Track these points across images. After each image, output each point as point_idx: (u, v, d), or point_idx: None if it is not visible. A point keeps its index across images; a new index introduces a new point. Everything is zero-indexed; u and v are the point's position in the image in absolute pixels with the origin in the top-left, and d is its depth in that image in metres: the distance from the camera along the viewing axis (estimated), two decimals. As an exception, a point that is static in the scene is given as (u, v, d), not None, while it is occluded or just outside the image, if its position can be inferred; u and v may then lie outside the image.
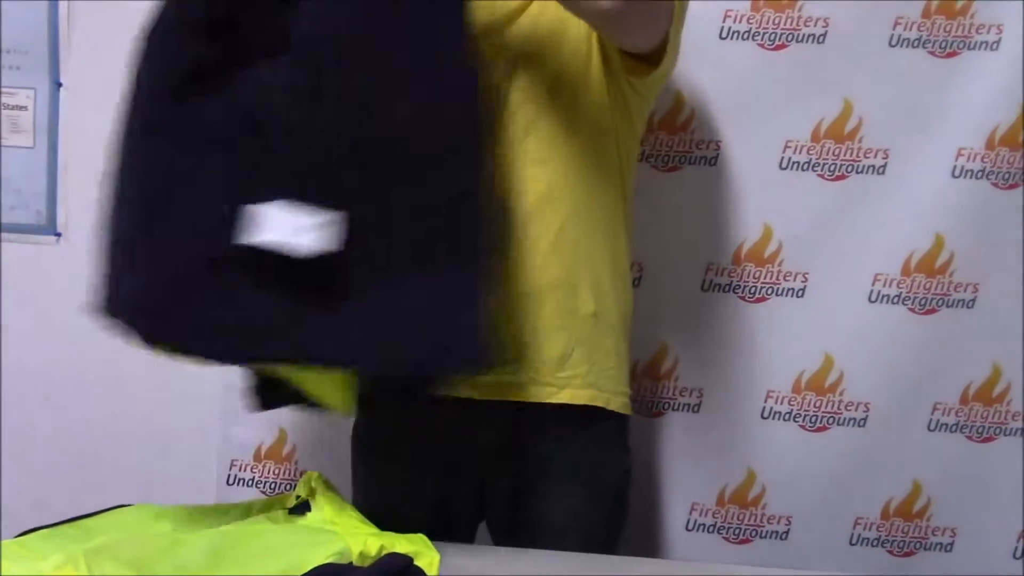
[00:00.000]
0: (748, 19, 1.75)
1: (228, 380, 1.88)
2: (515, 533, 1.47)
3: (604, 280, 1.46)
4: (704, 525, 1.86)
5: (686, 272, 1.81)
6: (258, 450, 1.92)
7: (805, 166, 1.78)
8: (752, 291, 1.81)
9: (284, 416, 1.89)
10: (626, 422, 1.52)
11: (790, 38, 1.75)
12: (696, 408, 1.84)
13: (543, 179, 1.40)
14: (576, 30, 1.40)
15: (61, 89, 1.92)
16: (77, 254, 1.93)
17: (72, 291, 1.93)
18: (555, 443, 1.45)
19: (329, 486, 1.33)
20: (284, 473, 1.90)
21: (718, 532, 1.85)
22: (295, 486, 1.36)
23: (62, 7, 1.90)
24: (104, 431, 1.98)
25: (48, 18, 1.91)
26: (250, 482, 1.92)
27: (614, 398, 1.47)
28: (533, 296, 1.40)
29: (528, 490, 1.47)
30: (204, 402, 1.92)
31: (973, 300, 1.78)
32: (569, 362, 1.43)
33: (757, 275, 1.81)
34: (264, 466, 1.91)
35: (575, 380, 1.43)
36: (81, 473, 1.96)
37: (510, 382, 1.41)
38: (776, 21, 1.75)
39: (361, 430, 1.56)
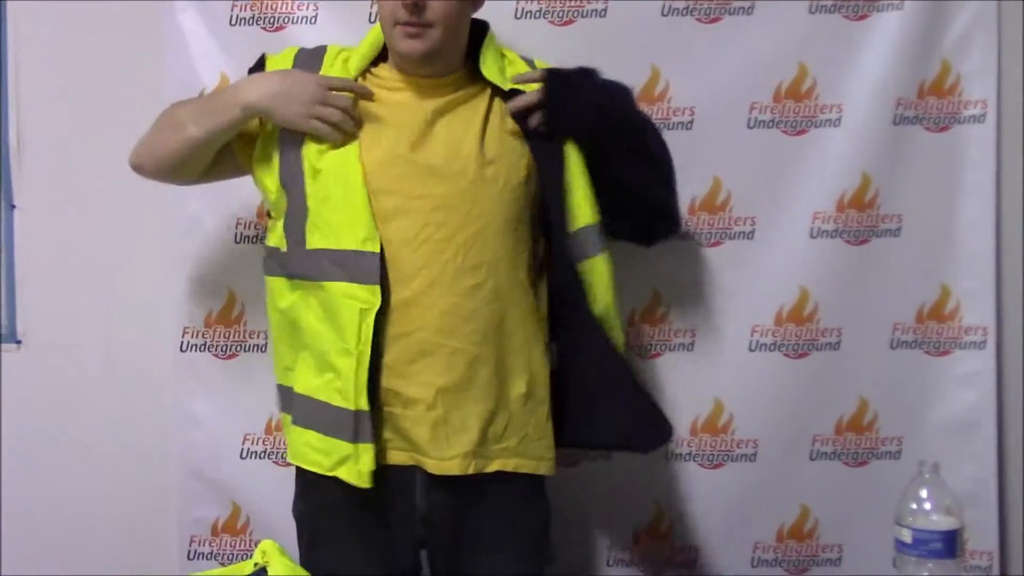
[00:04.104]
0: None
1: (185, 465, 1.95)
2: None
3: (535, 362, 1.59)
4: (623, 560, 1.96)
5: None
6: (215, 524, 1.97)
7: (685, 236, 1.91)
8: (647, 348, 1.93)
9: (236, 491, 1.96)
10: (543, 479, 1.64)
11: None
12: (607, 455, 1.93)
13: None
14: None
15: (15, 210, 1.99)
16: (36, 358, 2.00)
17: (33, 390, 2.00)
18: (482, 511, 1.57)
19: (283, 553, 1.40)
20: (241, 545, 1.95)
21: (634, 565, 1.96)
22: (252, 555, 1.43)
23: (12, 136, 1.98)
24: (70, 519, 2.01)
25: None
26: (209, 555, 1.97)
27: (540, 463, 1.60)
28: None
29: (462, 555, 1.59)
30: (163, 487, 1.97)
31: (838, 343, 1.92)
32: (503, 436, 1.55)
33: (651, 333, 1.93)
34: (221, 539, 1.96)
35: (505, 452, 1.56)
36: (48, 556, 1.99)
37: (446, 456, 1.53)
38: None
39: (300, 507, 1.65)
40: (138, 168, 1.67)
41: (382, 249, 1.51)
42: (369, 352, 1.49)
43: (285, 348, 1.63)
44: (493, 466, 1.55)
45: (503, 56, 1.64)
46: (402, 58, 1.57)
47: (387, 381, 1.52)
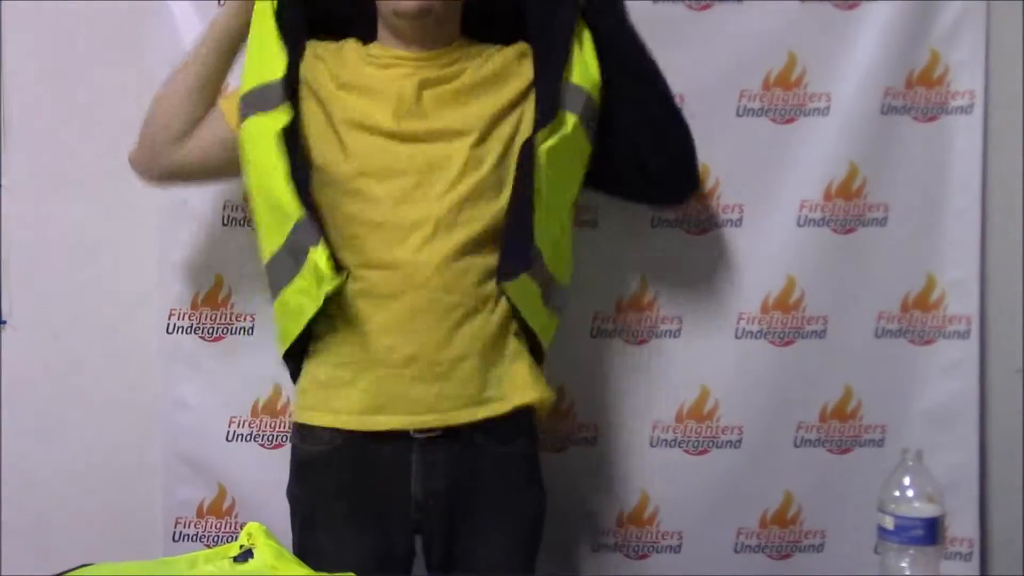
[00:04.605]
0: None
1: (171, 447, 1.95)
2: (450, 570, 1.59)
3: None
4: (607, 545, 1.97)
5: (576, 321, 1.91)
6: (200, 506, 1.96)
7: (674, 223, 1.92)
8: (634, 334, 1.94)
9: (222, 474, 1.95)
10: (538, 462, 1.65)
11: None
12: (593, 441, 1.95)
13: None
14: None
15: (1, 190, 1.97)
16: (22, 338, 1.99)
17: (17, 370, 1.99)
18: (478, 496, 1.57)
19: (269, 535, 1.40)
20: (226, 527, 1.95)
21: (619, 550, 1.96)
22: (237, 537, 1.42)
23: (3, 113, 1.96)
24: (54, 499, 2.01)
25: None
26: (194, 537, 1.96)
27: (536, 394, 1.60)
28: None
29: (457, 541, 1.59)
30: (148, 468, 1.97)
31: (824, 331, 1.93)
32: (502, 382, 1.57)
33: (638, 320, 1.94)
34: (207, 521, 1.96)
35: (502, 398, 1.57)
36: (34, 538, 1.99)
37: (447, 409, 1.54)
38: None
39: (295, 490, 1.64)
40: (133, 158, 1.68)
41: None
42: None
43: None
44: (492, 407, 1.56)
45: None
46: (398, 16, 1.56)
47: (387, 339, 1.52)
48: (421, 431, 1.54)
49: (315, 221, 1.51)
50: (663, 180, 1.70)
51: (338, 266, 1.51)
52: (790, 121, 1.90)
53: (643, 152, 1.65)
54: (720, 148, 1.88)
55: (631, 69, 1.63)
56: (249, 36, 1.60)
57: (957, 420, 1.92)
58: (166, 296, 1.93)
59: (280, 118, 1.53)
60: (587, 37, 1.61)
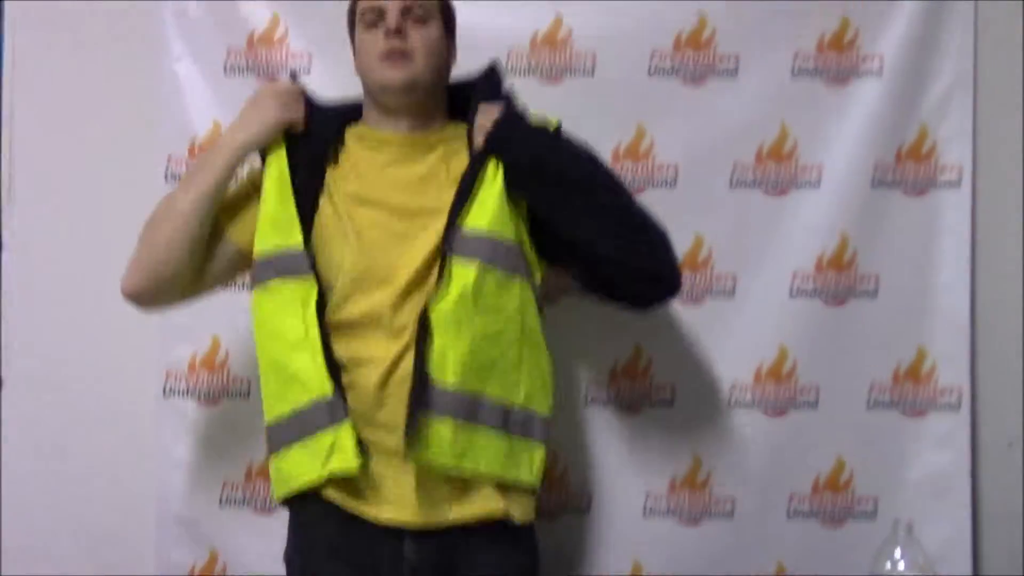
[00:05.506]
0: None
1: (164, 509, 1.94)
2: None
3: None
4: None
5: (570, 389, 1.92)
6: (192, 570, 1.94)
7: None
8: (627, 403, 1.95)
9: (214, 538, 1.95)
10: (532, 526, 1.63)
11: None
12: (586, 509, 1.94)
13: None
14: None
15: (1, 251, 2.01)
16: (18, 398, 2.00)
17: (13, 430, 1.99)
18: (472, 557, 1.55)
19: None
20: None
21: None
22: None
23: (4, 177, 2.00)
24: (47, 558, 1.99)
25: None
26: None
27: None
28: None
29: None
30: (142, 529, 1.96)
31: (816, 402, 1.94)
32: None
33: (631, 387, 1.95)
34: (196, 585, 1.95)
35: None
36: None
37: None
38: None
39: (291, 550, 1.63)
40: (134, 290, 1.61)
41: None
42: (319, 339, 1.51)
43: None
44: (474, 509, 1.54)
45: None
46: (382, 90, 1.57)
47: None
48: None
49: (342, 399, 1.51)
50: (628, 285, 1.61)
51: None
52: (782, 193, 1.93)
53: (603, 265, 1.58)
54: (713, 219, 1.93)
55: (565, 188, 1.54)
56: (264, 190, 1.57)
57: (949, 492, 1.92)
58: (162, 358, 1.95)
59: (311, 290, 1.52)
60: (494, 176, 1.55)
